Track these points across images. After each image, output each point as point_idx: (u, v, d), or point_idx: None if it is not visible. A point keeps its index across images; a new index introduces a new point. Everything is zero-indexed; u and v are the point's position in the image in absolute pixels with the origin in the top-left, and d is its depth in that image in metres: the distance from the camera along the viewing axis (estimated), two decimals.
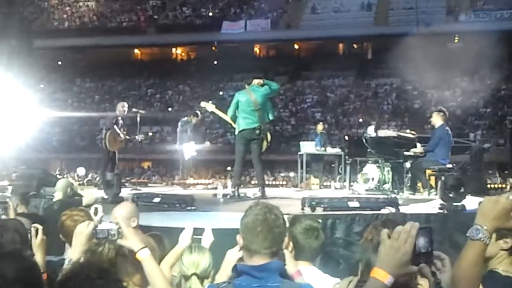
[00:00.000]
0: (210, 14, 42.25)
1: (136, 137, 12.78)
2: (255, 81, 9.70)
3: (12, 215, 4.33)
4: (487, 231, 2.15)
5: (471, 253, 2.17)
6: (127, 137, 12.46)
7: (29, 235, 3.41)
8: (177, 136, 13.97)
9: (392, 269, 2.02)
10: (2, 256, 2.50)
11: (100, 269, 2.22)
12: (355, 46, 42.77)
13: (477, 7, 37.26)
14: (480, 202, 2.24)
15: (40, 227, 3.60)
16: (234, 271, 2.71)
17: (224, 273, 3.05)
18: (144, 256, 2.93)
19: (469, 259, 2.17)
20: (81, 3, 46.12)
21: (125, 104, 12.63)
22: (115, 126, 12.14)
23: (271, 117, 9.82)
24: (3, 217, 4.22)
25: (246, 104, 9.46)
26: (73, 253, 3.14)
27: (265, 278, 2.58)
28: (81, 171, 12.56)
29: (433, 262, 2.16)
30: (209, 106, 11.40)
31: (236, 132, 9.66)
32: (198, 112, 14.18)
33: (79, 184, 13.07)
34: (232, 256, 3.02)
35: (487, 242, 2.16)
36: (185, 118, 13.98)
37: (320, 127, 15.51)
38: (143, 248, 2.94)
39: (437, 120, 10.52)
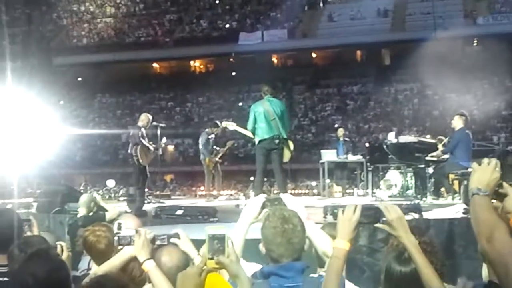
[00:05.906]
0: (227, 26, 42.41)
1: (162, 144, 12.71)
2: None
3: (36, 231, 4.36)
4: None
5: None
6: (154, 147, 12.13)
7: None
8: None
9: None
10: (31, 255, 2.52)
11: (116, 284, 2.22)
12: (372, 52, 42.61)
13: (494, 10, 37.01)
14: None
15: (64, 244, 3.64)
16: (261, 275, 2.73)
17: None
18: (149, 268, 2.96)
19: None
20: (98, 20, 46.56)
21: (149, 116, 11.88)
22: (142, 140, 11.36)
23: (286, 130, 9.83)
24: (28, 233, 4.26)
25: (262, 115, 9.51)
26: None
27: (293, 278, 2.64)
28: (110, 183, 12.52)
29: None
30: (230, 125, 11.45)
31: (256, 143, 9.69)
32: (218, 123, 14.14)
33: (109, 197, 13.01)
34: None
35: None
36: (207, 130, 14.05)
37: (340, 132, 15.37)
38: (148, 259, 2.99)
39: (458, 123, 10.45)
